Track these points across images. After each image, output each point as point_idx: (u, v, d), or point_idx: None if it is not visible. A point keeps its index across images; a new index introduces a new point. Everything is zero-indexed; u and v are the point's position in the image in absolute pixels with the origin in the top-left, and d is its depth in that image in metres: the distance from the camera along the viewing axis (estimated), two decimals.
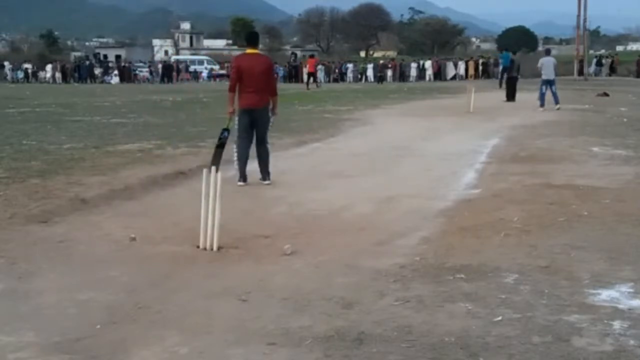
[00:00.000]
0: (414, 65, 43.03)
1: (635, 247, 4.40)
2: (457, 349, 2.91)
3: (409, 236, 4.96)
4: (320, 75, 41.43)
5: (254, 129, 7.11)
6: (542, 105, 16.63)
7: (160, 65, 44.49)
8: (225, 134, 7.07)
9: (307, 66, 34.02)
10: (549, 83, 16.76)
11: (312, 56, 39.78)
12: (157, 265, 4.28)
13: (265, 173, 7.15)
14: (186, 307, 3.53)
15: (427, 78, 41.17)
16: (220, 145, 7.01)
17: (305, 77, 33.82)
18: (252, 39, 7.29)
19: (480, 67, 42.16)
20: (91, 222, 5.41)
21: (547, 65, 17.03)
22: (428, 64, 42.87)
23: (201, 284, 3.91)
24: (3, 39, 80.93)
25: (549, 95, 16.74)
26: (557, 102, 16.49)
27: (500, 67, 30.15)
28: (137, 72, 44.65)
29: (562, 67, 42.01)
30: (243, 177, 7.06)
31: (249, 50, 7.17)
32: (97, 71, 43.28)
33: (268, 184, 7.08)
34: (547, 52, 20.21)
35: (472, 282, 3.77)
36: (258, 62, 7.09)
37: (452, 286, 3.72)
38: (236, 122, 7.10)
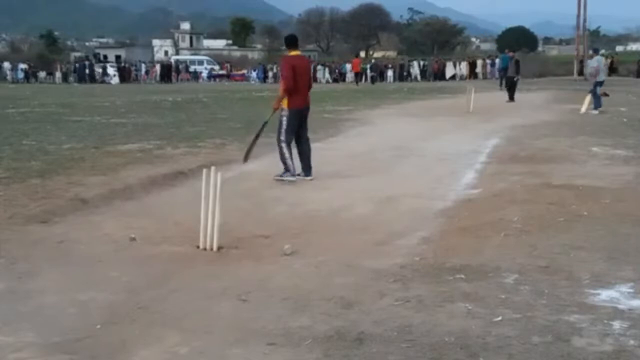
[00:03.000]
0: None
1: (635, 247, 4.39)
2: (457, 349, 2.91)
3: (409, 236, 4.96)
4: (320, 75, 41.65)
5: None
6: (597, 107, 15.47)
7: (158, 66, 44.47)
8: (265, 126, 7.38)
9: (352, 66, 37.59)
10: (600, 85, 15.88)
11: (357, 56, 40.92)
12: (157, 265, 4.28)
13: (308, 169, 7.37)
14: (186, 307, 3.52)
15: (414, 77, 42.38)
16: (257, 136, 7.35)
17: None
18: (293, 42, 7.45)
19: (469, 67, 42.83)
20: (91, 222, 5.41)
21: (602, 68, 16.29)
22: (415, 64, 44.31)
23: (201, 284, 3.91)
24: (3, 39, 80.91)
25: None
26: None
27: (500, 68, 30.25)
28: (137, 72, 44.65)
29: (562, 67, 42.21)
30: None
31: (292, 53, 7.35)
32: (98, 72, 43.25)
33: (311, 179, 7.27)
34: (596, 52, 18.19)
35: (472, 282, 3.77)
36: (306, 63, 7.50)
37: (452, 286, 3.72)
38: (284, 121, 7.19)
